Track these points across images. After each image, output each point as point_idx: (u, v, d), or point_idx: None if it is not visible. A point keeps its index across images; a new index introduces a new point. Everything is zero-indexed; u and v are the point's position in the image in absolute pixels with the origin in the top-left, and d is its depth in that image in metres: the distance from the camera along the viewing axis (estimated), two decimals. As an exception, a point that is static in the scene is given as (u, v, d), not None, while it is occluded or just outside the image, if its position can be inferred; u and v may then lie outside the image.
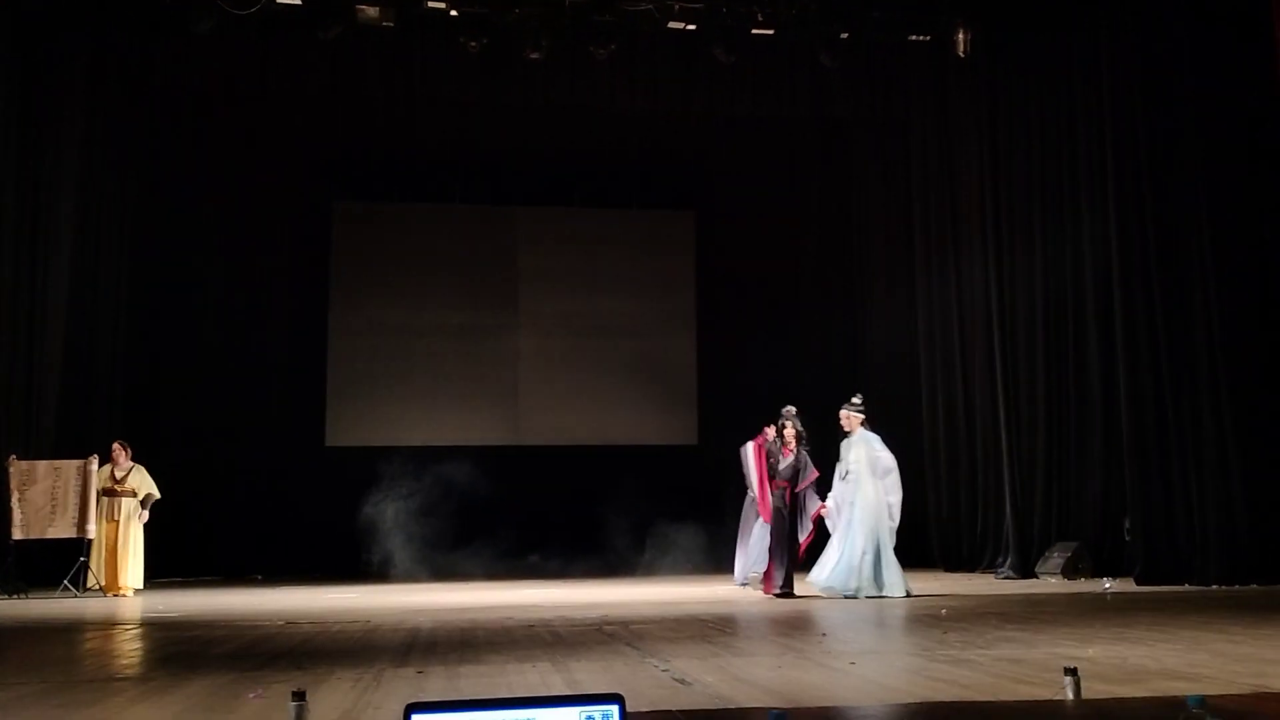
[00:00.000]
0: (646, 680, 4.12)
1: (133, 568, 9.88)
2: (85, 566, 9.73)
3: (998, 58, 11.45)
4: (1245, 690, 3.54)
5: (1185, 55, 9.23)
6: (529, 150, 13.65)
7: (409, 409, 13.16)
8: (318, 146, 13.48)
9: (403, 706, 1.91)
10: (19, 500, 9.54)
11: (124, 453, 10.17)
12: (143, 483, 10.11)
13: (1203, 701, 2.12)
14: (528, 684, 4.08)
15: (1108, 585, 8.93)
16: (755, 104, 12.48)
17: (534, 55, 11.26)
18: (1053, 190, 10.90)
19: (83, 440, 10.49)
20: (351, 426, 13.11)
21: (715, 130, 13.67)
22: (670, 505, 12.88)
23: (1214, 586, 8.40)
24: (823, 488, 8.78)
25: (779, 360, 13.92)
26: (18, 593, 9.25)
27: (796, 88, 12.42)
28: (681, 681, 4.09)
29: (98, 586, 9.76)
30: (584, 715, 1.92)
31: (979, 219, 11.72)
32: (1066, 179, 10.73)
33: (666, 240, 14.14)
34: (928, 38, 11.90)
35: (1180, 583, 8.66)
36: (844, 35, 11.51)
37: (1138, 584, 8.83)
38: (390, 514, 12.21)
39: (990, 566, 11.06)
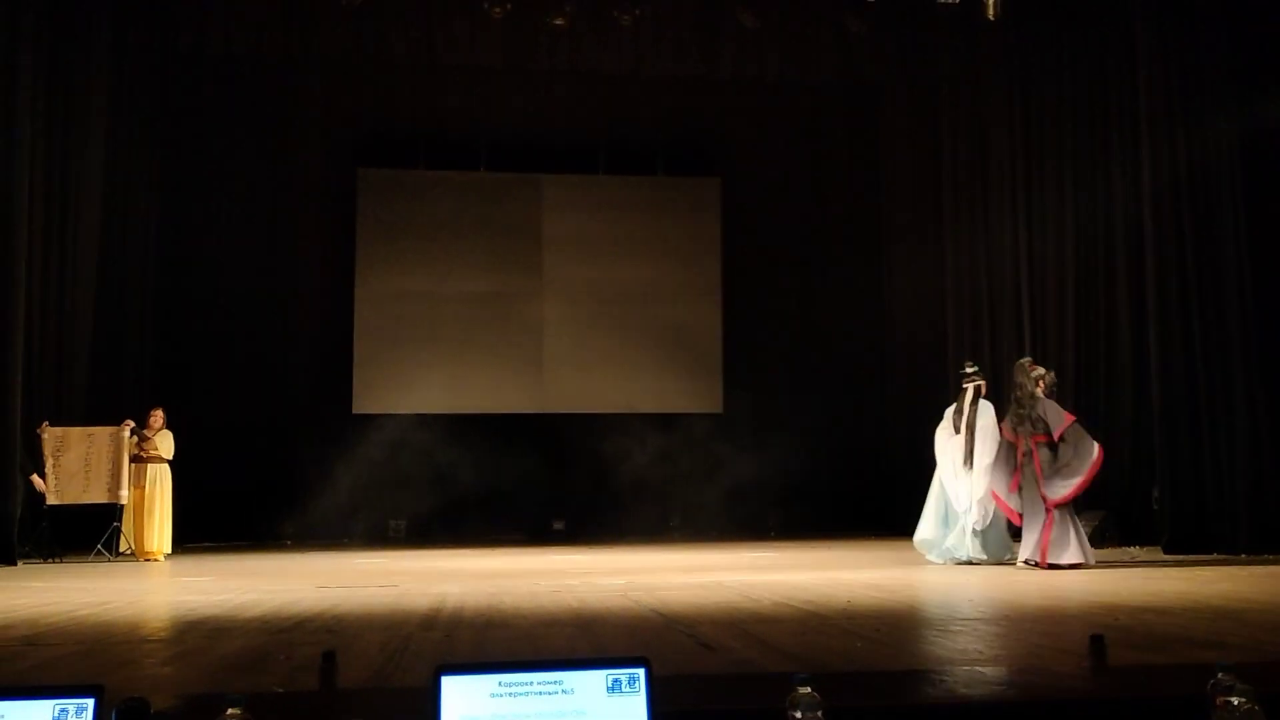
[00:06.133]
0: (672, 645, 4.14)
1: (162, 532, 10.01)
2: (118, 531, 9.88)
3: (1028, 17, 11.27)
4: (1273, 659, 3.52)
5: (1219, 12, 9.05)
6: (554, 117, 13.58)
7: (435, 376, 13.21)
8: (342, 113, 13.47)
9: (430, 669, 1.93)
10: (53, 466, 9.67)
11: (158, 419, 10.28)
12: (162, 445, 10.21)
13: (1231, 669, 2.11)
14: (554, 649, 4.11)
15: (1135, 554, 8.90)
16: (781, 68, 12.36)
17: (558, 21, 11.17)
18: (1085, 152, 10.76)
19: (113, 407, 10.62)
20: (378, 394, 13.19)
21: (741, 95, 13.55)
22: (695, 473, 12.93)
23: (1241, 556, 8.34)
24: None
25: (805, 326, 13.88)
26: (52, 557, 9.42)
27: (823, 51, 12.28)
28: (706, 647, 4.11)
29: (130, 551, 9.91)
30: (611, 678, 1.94)
31: (1009, 181, 11.60)
32: (1099, 139, 10.59)
33: (692, 206, 14.07)
34: (956, 1, 11.73)
35: (1208, 552, 8.60)
36: (871, -1, 11.36)
37: (1165, 553, 8.78)
38: (417, 481, 12.32)
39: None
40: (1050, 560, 7.59)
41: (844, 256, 14.05)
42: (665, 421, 13.26)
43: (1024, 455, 7.87)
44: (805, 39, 12.16)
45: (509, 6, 10.87)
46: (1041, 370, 8.14)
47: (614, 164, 13.81)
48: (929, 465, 12.70)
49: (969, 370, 8.66)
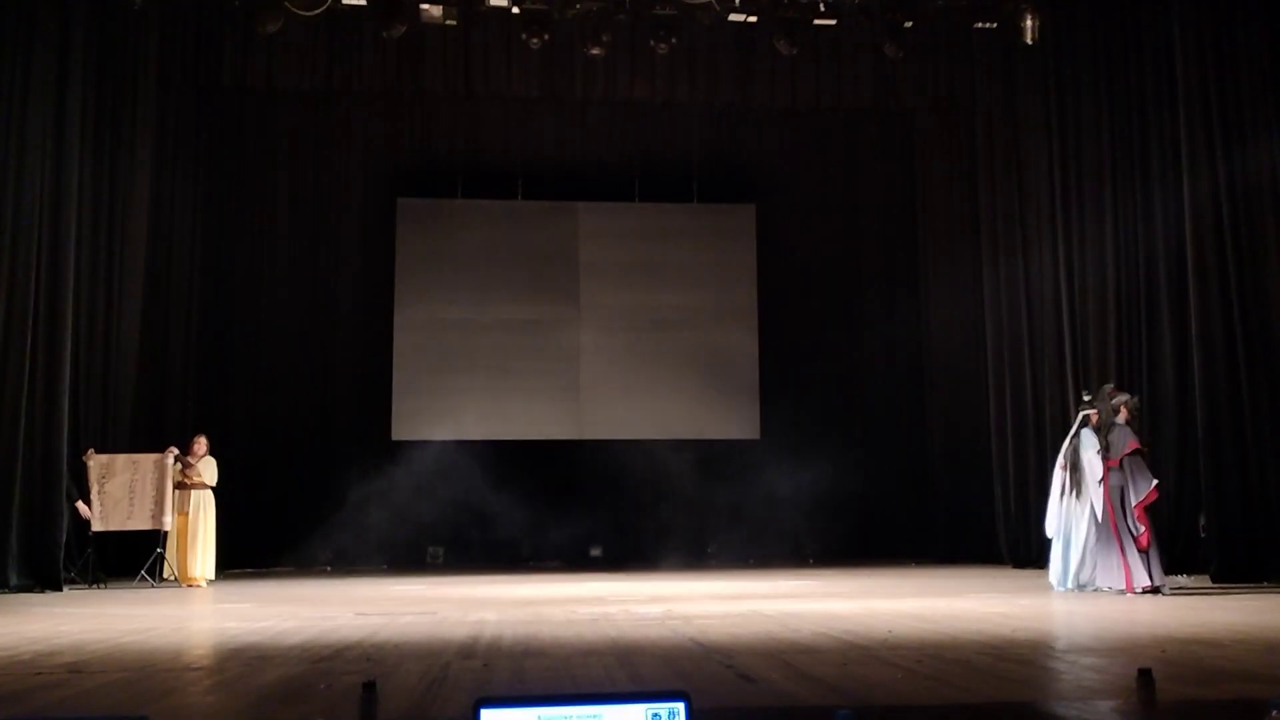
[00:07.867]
0: (711, 676, 4.11)
1: (204, 559, 10.11)
2: (161, 558, 9.98)
3: (1065, 42, 11.21)
4: (1329, 694, 3.43)
5: (1262, 31, 8.95)
6: (590, 145, 13.69)
7: (473, 403, 13.27)
8: (382, 144, 13.65)
9: (469, 699, 1.93)
10: (98, 493, 9.81)
11: (202, 446, 10.41)
12: (205, 472, 10.33)
13: (1285, 706, 2.06)
14: (593, 679, 4.10)
15: (1182, 583, 8.73)
16: (817, 95, 12.39)
17: (595, 51, 11.29)
18: (1124, 175, 10.64)
19: (157, 434, 10.77)
20: (417, 421, 13.26)
21: (776, 122, 13.57)
22: (732, 499, 12.87)
23: (1293, 585, 8.17)
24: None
25: (842, 353, 13.81)
26: (97, 582, 9.54)
27: (859, 78, 12.31)
28: (746, 678, 4.08)
29: (173, 577, 10.02)
30: (651, 712, 1.93)
31: (1047, 206, 11.51)
32: (1138, 163, 10.46)
33: (727, 233, 14.08)
34: (993, 25, 11.71)
35: (1258, 581, 8.43)
36: (907, 24, 11.37)
37: (1213, 582, 8.61)
38: (455, 507, 12.36)
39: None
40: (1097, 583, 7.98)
41: (881, 281, 14.00)
42: (702, 447, 13.23)
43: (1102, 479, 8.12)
44: (841, 65, 12.20)
45: (546, 37, 10.99)
46: (1124, 396, 8.31)
47: (649, 191, 13.86)
48: (967, 490, 12.63)
49: (1085, 399, 8.74)
